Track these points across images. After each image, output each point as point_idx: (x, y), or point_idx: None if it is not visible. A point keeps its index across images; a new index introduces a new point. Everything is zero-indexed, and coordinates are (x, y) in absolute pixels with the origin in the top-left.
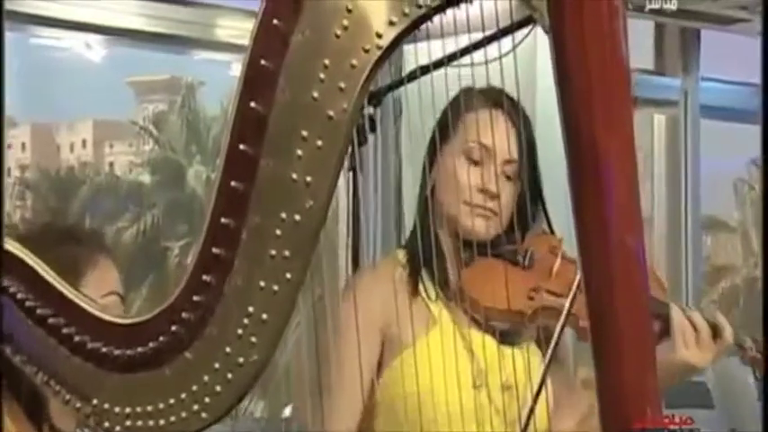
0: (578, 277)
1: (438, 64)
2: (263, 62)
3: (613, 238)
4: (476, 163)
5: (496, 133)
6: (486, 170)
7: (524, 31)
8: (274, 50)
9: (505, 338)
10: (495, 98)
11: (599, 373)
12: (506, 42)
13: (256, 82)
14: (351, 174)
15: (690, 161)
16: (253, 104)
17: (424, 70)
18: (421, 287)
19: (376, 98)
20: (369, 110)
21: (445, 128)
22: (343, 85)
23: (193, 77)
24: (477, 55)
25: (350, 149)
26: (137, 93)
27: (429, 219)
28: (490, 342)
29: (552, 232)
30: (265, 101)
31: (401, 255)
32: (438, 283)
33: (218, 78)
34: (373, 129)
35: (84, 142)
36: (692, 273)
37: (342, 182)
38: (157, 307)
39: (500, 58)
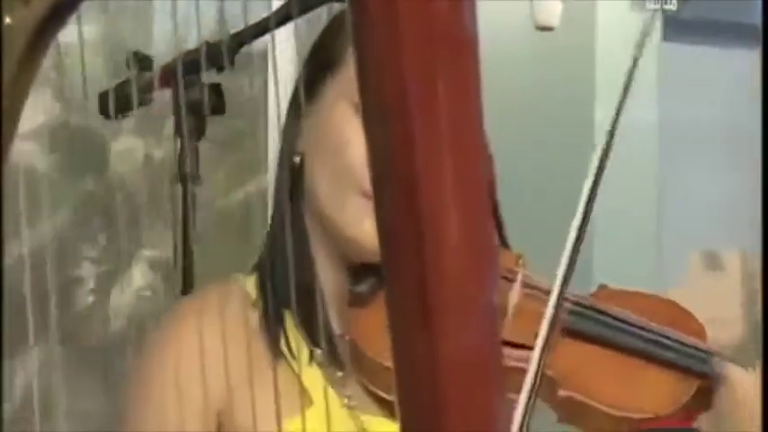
0: (547, 316)
1: None
2: None
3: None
4: None
5: None
6: None
7: None
8: None
9: None
10: None
11: None
12: None
13: None
14: (180, 185)
15: None
16: None
17: (306, 6)
18: (283, 343)
19: (229, 54)
20: (208, 77)
21: (320, 64)
22: None
23: None
24: None
25: (179, 147)
26: None
27: (294, 225)
28: None
29: (505, 244)
30: None
31: (250, 284)
32: (311, 335)
33: None
34: (220, 109)
35: None
36: None
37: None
38: None
39: None
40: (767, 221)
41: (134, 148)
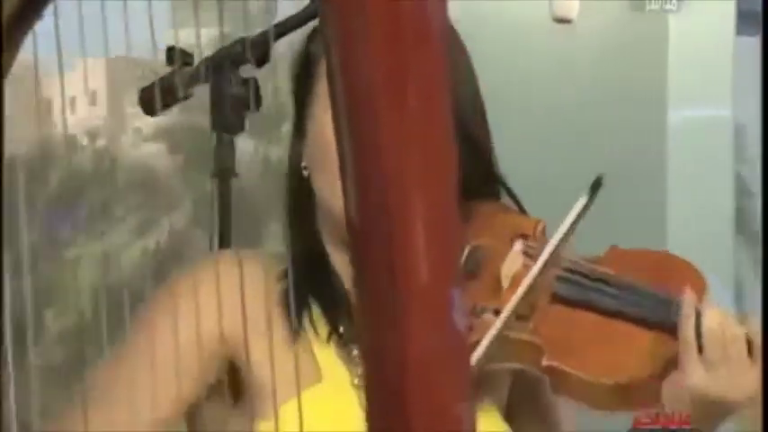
0: (534, 271)
1: None
2: None
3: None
4: None
5: None
6: None
7: None
8: None
9: None
10: None
11: None
12: None
13: None
14: (216, 181)
15: None
16: None
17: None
18: (307, 322)
19: (261, 49)
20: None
21: (305, 75)
22: None
23: None
24: None
25: (216, 142)
26: None
27: (305, 221)
28: None
29: (521, 209)
30: None
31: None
32: (329, 317)
33: None
34: (257, 104)
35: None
36: None
37: None
38: None
39: None
40: (767, 221)
41: (252, 148)
